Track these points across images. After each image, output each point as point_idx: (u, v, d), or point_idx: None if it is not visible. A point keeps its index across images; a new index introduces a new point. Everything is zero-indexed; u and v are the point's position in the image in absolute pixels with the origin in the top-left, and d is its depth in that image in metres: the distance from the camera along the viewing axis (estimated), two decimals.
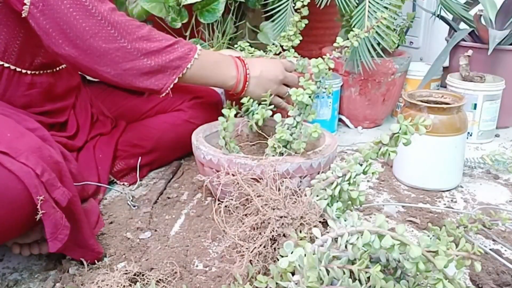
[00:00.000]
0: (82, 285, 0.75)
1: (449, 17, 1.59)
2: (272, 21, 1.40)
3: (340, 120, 1.51)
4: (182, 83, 0.94)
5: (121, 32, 0.84)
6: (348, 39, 1.12)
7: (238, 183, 0.80)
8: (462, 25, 1.58)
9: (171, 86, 0.91)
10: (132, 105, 1.19)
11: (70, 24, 0.81)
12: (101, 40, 0.83)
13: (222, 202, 0.74)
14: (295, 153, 0.92)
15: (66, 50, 0.83)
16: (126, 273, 0.72)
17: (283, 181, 0.83)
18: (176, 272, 0.78)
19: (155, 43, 0.87)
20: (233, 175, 0.80)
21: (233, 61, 1.01)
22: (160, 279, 0.74)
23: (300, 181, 0.90)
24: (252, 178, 0.84)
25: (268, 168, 0.84)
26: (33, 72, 0.92)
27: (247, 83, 1.01)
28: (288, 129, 0.95)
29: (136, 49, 0.85)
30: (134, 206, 1.00)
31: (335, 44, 1.11)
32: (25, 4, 0.80)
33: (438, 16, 1.54)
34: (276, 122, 0.97)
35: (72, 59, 0.85)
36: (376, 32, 1.20)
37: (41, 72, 0.94)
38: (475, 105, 1.35)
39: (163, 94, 0.91)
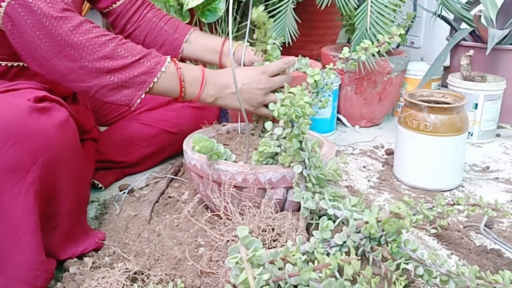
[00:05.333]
0: (82, 284, 0.75)
1: (450, 17, 1.59)
2: (273, 21, 1.40)
3: (337, 118, 1.51)
4: (152, 94, 0.91)
5: (80, 53, 0.82)
6: (348, 40, 1.09)
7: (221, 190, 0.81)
8: (463, 25, 1.58)
9: (139, 100, 0.88)
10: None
11: (34, 44, 0.81)
12: (64, 59, 0.82)
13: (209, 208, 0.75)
14: (282, 165, 0.86)
15: (35, 69, 0.85)
16: (126, 272, 0.72)
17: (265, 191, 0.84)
18: (175, 272, 0.78)
19: (119, 60, 0.85)
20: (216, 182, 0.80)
21: (200, 77, 0.94)
22: (160, 279, 0.74)
23: (287, 192, 0.87)
24: (234, 186, 0.84)
25: (249, 176, 0.84)
26: None
27: (199, 97, 0.94)
28: (277, 139, 0.87)
29: (98, 68, 0.84)
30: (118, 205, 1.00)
31: (340, 55, 1.08)
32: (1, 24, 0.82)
33: (439, 16, 1.54)
34: None
35: (42, 75, 0.86)
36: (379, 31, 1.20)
37: None
38: (476, 105, 1.35)
39: (133, 108, 0.90)
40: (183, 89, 0.91)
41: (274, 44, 1.05)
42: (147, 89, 0.88)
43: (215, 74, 0.95)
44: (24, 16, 0.79)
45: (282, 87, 0.96)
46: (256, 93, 0.95)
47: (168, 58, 0.90)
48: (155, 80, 0.88)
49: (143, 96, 0.88)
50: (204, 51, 1.13)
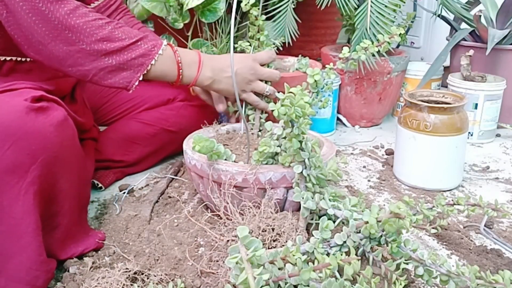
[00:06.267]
0: (82, 284, 0.75)
1: (450, 17, 1.59)
2: (273, 21, 1.40)
3: (337, 118, 1.51)
4: (149, 78, 0.92)
5: (78, 36, 0.83)
6: (348, 40, 1.09)
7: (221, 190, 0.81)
8: (463, 25, 1.58)
9: (136, 83, 0.89)
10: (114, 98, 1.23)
11: (31, 30, 0.81)
12: (62, 43, 0.82)
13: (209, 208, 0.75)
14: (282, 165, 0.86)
15: (32, 55, 0.84)
16: (126, 272, 0.72)
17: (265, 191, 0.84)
18: (175, 272, 0.78)
19: (117, 43, 0.86)
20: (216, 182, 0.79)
21: (197, 60, 0.97)
22: (160, 279, 0.74)
23: (287, 192, 0.87)
24: (234, 186, 0.84)
25: (249, 176, 0.84)
26: (31, 59, 0.93)
27: (196, 81, 0.97)
28: (277, 139, 0.86)
29: (96, 51, 0.84)
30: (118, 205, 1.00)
31: (340, 55, 1.08)
32: None
33: (439, 16, 1.54)
34: None
35: (39, 62, 0.86)
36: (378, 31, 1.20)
37: None
38: (476, 105, 1.35)
39: (131, 91, 0.90)
40: (180, 70, 0.93)
41: (269, 39, 1.08)
42: (145, 71, 0.89)
43: (210, 58, 0.99)
44: (20, 2, 0.79)
45: (281, 88, 0.96)
46: (247, 78, 0.99)
47: (165, 41, 0.92)
48: (153, 62, 0.89)
49: (141, 79, 0.89)
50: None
